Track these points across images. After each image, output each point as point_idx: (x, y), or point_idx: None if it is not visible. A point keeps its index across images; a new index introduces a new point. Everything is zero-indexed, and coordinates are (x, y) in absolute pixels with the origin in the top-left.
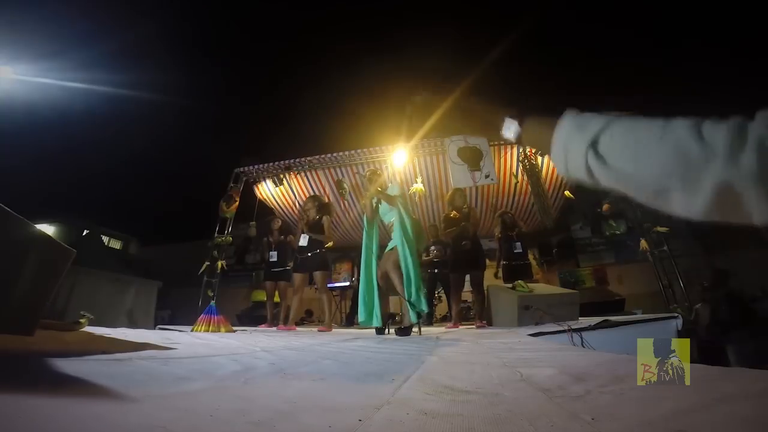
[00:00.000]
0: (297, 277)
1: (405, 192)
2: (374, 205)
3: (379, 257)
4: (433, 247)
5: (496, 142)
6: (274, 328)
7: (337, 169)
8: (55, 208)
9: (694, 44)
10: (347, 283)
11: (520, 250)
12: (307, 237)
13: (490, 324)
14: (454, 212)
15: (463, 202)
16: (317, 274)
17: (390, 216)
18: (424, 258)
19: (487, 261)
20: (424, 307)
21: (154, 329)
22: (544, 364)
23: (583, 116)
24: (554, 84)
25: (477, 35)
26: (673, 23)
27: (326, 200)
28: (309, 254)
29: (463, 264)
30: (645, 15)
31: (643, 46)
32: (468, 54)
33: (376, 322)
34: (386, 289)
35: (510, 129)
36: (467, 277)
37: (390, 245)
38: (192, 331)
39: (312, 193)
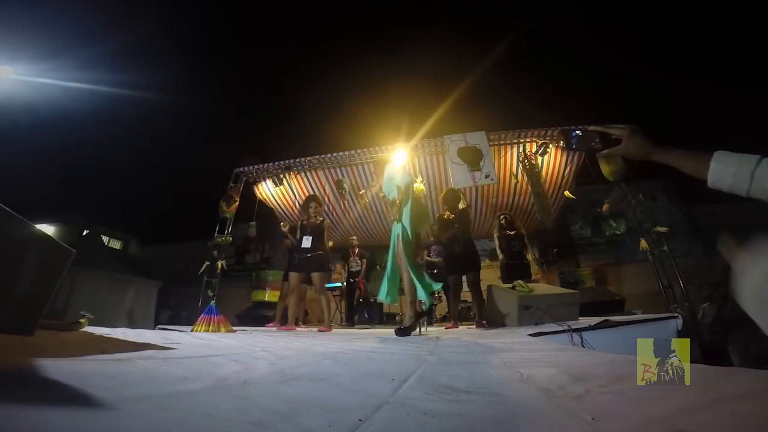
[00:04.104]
0: (294, 276)
1: (409, 182)
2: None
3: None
4: (434, 247)
5: (497, 143)
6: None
7: (337, 169)
8: (55, 208)
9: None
10: (339, 284)
11: (518, 250)
12: (310, 239)
13: (490, 324)
14: (448, 213)
15: (457, 202)
16: (315, 275)
17: (393, 192)
18: (426, 259)
19: (487, 261)
20: (422, 296)
21: (154, 329)
22: (544, 364)
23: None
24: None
25: (477, 38)
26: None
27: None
28: (308, 255)
29: (458, 265)
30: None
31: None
32: (466, 56)
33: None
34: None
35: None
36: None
37: (393, 233)
38: (192, 331)
39: (312, 194)
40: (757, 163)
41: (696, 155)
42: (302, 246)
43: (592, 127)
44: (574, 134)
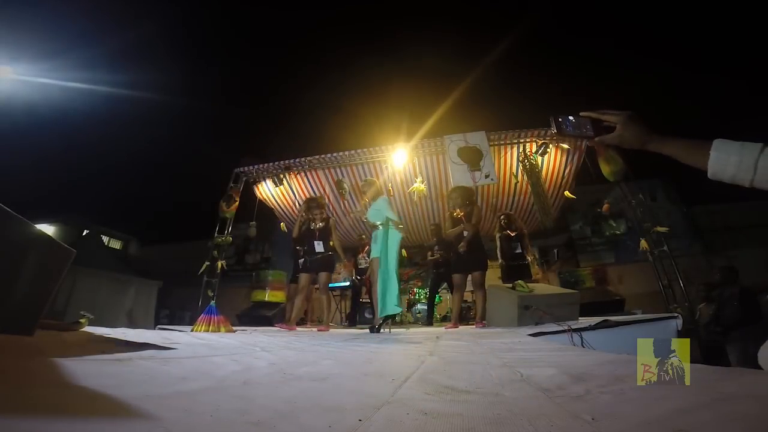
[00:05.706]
0: (304, 277)
1: (391, 206)
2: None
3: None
4: (437, 247)
5: (497, 143)
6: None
7: (337, 169)
8: (55, 208)
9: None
10: (347, 283)
11: (519, 251)
12: (321, 243)
13: (489, 324)
14: (457, 211)
15: (463, 200)
16: (322, 275)
17: (375, 217)
18: (429, 258)
19: (489, 261)
20: (391, 310)
21: (154, 329)
22: (544, 364)
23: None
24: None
25: (476, 37)
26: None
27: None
28: (319, 256)
29: (463, 264)
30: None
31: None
32: (466, 55)
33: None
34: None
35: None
36: (470, 278)
37: (373, 253)
38: (192, 331)
39: (312, 194)
40: (761, 151)
41: (694, 144)
42: (315, 250)
43: (584, 113)
44: (563, 119)
